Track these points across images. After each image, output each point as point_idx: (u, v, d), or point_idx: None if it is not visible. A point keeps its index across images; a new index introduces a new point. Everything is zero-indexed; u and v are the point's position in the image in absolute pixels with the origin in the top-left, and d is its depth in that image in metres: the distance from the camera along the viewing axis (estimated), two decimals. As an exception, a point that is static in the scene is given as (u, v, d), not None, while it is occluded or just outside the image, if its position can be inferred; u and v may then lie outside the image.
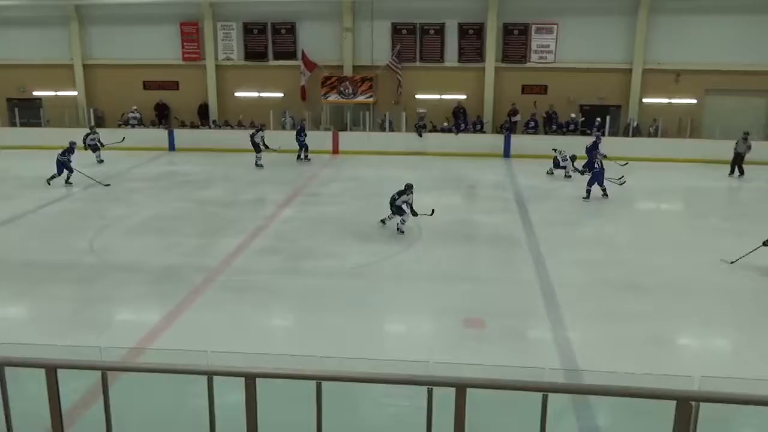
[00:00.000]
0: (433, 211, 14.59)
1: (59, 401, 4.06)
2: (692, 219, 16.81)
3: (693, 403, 4.01)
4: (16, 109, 26.80)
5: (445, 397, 4.26)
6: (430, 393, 4.37)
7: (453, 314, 10.12)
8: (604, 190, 17.67)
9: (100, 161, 22.69)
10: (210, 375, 4.51)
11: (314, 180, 20.39)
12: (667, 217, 18.02)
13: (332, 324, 9.87)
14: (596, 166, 17.65)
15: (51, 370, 4.01)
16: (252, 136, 22.46)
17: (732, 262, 11.97)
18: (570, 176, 20.28)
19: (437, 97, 25.85)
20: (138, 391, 6.00)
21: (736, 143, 21.44)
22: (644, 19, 24.16)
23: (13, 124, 26.73)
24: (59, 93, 27.59)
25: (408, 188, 14.49)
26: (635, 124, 24.51)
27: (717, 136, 23.42)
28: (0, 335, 9.45)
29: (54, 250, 13.43)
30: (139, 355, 8.29)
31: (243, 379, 4.33)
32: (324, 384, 4.40)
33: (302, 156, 23.30)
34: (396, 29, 25.62)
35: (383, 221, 15.00)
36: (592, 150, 19.85)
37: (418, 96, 25.83)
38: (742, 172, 21.14)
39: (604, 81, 24.95)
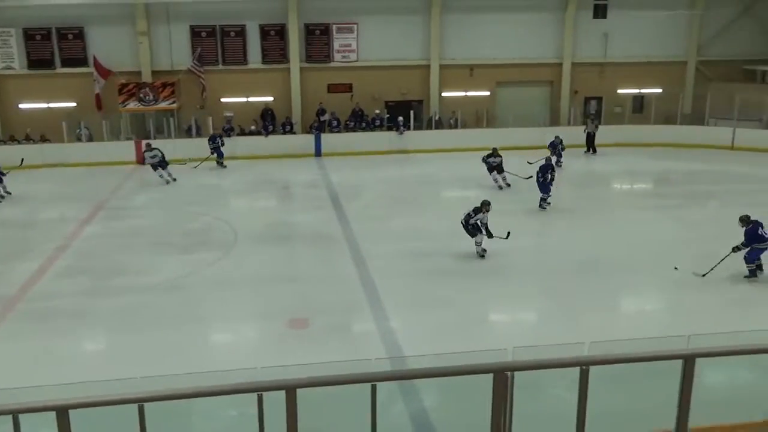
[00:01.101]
0: (508, 234, 12.74)
1: None
2: (496, 204, 17.94)
3: (508, 373, 4.28)
4: None
5: (278, 401, 4.21)
6: (260, 399, 4.29)
7: (278, 317, 10.05)
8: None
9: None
10: (15, 414, 4.10)
11: (118, 192, 19.26)
12: (472, 203, 19.12)
13: (152, 341, 9.40)
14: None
15: None
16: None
17: (704, 275, 11.36)
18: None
19: (244, 99, 25.45)
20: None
21: (585, 125, 24.25)
22: (437, 18, 25.45)
23: None
24: None
25: (484, 206, 12.63)
26: (437, 117, 25.78)
27: (510, 124, 25.28)
28: None
29: None
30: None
31: (54, 413, 3.99)
32: (148, 405, 4.17)
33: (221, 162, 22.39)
34: (195, 32, 24.84)
35: (481, 253, 12.62)
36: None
37: (223, 99, 25.27)
38: (594, 151, 23.82)
39: (405, 77, 25.96)
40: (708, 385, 6.38)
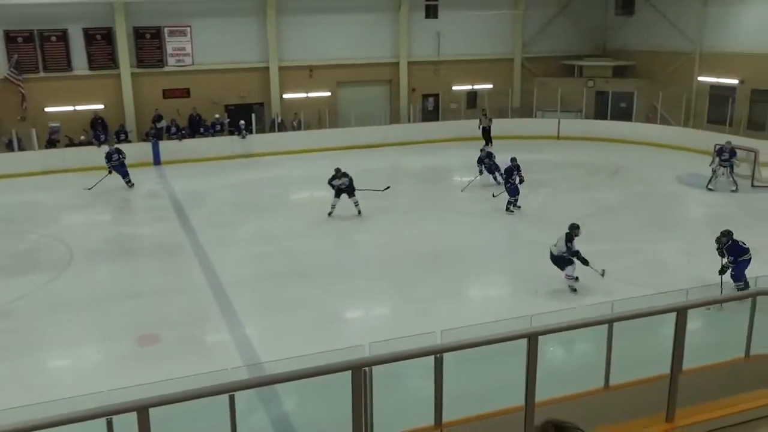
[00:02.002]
0: (603, 271, 11.30)
1: None
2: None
3: (365, 368, 4.33)
4: None
5: (131, 423, 3.99)
6: (109, 424, 4.05)
7: (125, 335, 9.54)
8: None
9: None
10: None
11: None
12: (319, 203, 19.18)
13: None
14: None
15: None
16: None
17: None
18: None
19: (71, 108, 23.85)
20: None
21: (480, 120, 24.88)
22: (273, 19, 25.22)
23: None
24: None
25: (573, 229, 10.91)
26: (279, 119, 25.57)
27: (352, 123, 25.61)
28: None
29: None
30: None
31: None
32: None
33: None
34: (10, 37, 22.93)
35: (573, 287, 11.06)
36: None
37: (48, 109, 23.54)
38: (491, 142, 23.92)
39: (244, 80, 25.50)
40: (552, 359, 6.82)
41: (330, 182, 15.61)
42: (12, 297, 11.20)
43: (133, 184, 19.57)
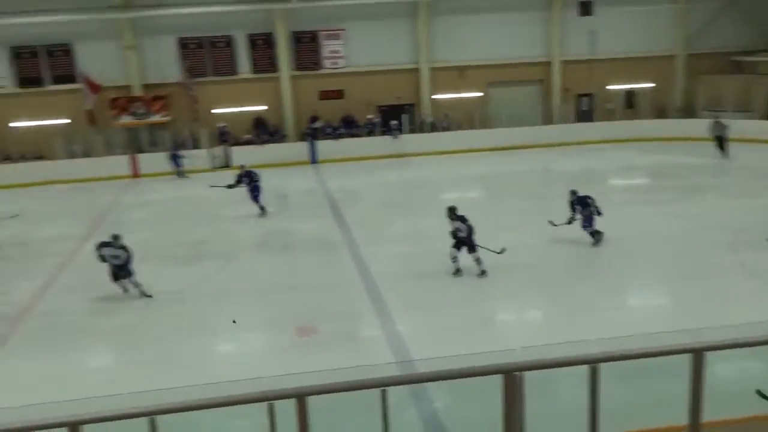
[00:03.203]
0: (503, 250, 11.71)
1: None
2: (495, 202, 18.00)
3: (517, 373, 4.29)
4: None
5: (289, 409, 4.21)
6: (270, 408, 4.29)
7: (284, 325, 10.04)
8: None
9: None
10: (27, 431, 4.09)
11: (115, 207, 19.23)
12: (472, 204, 19.13)
13: (159, 355, 9.38)
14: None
15: None
16: None
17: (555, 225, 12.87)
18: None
19: (236, 110, 25.45)
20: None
21: (713, 126, 21.71)
22: (424, 21, 25.53)
23: None
24: None
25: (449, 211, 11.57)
26: (429, 120, 25.83)
27: (503, 124, 25.38)
28: None
29: None
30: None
31: (66, 429, 3.98)
32: (159, 418, 4.16)
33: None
34: (183, 44, 24.85)
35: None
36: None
37: (215, 110, 25.27)
38: (725, 152, 21.32)
39: (396, 82, 26.01)
40: (719, 378, 6.41)
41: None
42: (185, 283, 12.16)
43: (265, 213, 17.02)
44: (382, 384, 4.33)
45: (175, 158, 23.04)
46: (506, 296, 11.07)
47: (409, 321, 9.95)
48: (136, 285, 11.41)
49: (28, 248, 15.53)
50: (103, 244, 11.51)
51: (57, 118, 24.49)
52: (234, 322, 10.29)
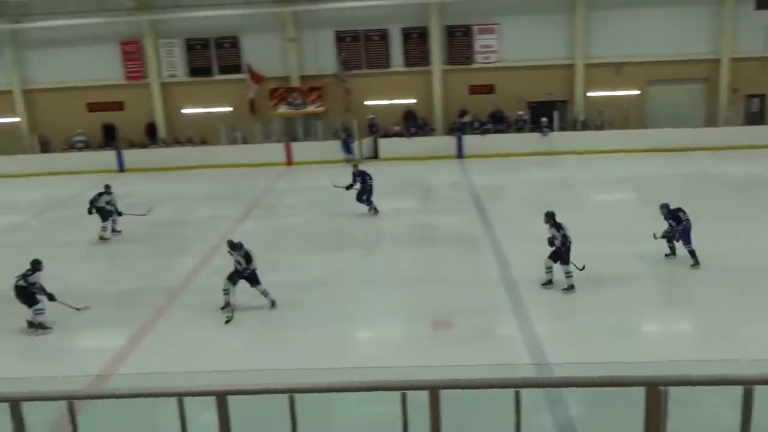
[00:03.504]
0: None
1: (23, 436, 3.90)
2: (644, 207, 17.13)
3: (662, 388, 4.07)
4: (-43, 139, 25.98)
5: (420, 400, 4.25)
6: (403, 397, 4.35)
7: (421, 317, 10.14)
8: None
9: (116, 231, 15.98)
10: (180, 396, 4.41)
11: (269, 193, 20.24)
12: (619, 207, 18.38)
13: (300, 336, 9.79)
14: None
15: (15, 404, 3.86)
16: (93, 202, 15.72)
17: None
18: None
19: (387, 102, 25.93)
20: (107, 419, 5.83)
21: None
22: (582, 15, 24.68)
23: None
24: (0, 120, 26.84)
25: None
26: (582, 118, 24.99)
27: (661, 124, 24.07)
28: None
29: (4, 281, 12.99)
30: (105, 382, 8.09)
31: (214, 398, 4.25)
32: (297, 397, 4.35)
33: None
34: (339, 37, 25.63)
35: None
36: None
37: (367, 102, 25.88)
38: None
39: (548, 77, 25.38)
40: None
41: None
42: (331, 270, 12.61)
43: (376, 212, 16.57)
44: (518, 385, 4.26)
45: (347, 145, 23.87)
46: (648, 307, 10.52)
47: (548, 323, 9.72)
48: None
49: (188, 227, 16.68)
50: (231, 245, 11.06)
51: (222, 106, 26.16)
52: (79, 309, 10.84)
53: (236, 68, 25.90)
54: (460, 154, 24.37)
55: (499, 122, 25.06)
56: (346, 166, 23.44)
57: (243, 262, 10.73)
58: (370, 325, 10.40)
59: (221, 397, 4.24)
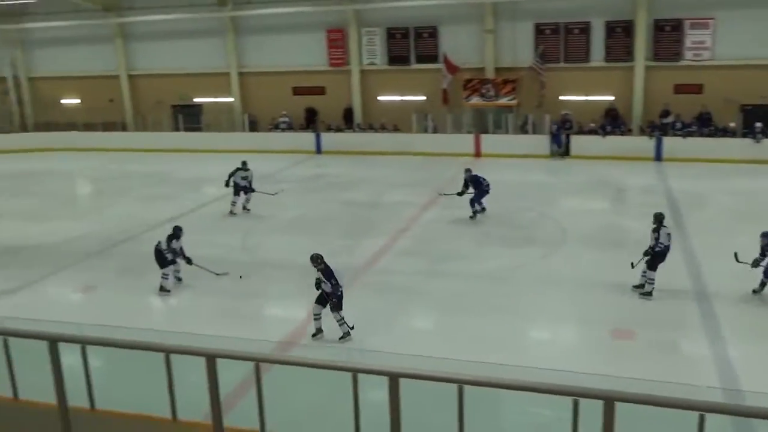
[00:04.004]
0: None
1: (218, 389, 4.28)
2: None
3: None
4: (180, 115, 28.84)
5: (590, 409, 4.12)
6: (576, 405, 4.24)
7: (601, 323, 9.77)
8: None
9: (246, 209, 17.22)
10: (354, 372, 4.62)
11: (455, 183, 20.35)
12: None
13: (473, 327, 9.83)
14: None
15: (210, 359, 4.23)
16: (231, 175, 16.87)
17: None
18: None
19: (582, 98, 25.03)
20: (286, 384, 6.26)
21: None
22: (817, 10, 22.15)
23: (176, 129, 28.78)
24: (217, 99, 29.41)
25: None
26: (805, 125, 22.50)
27: None
28: (164, 324, 10.18)
29: (211, 246, 14.31)
30: (288, 349, 8.65)
31: (387, 378, 4.40)
32: (466, 388, 4.39)
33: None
34: (539, 29, 25.08)
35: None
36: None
37: (562, 97, 25.14)
38: None
39: (766, 79, 23.09)
40: None
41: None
42: (511, 265, 12.50)
43: (482, 212, 16.01)
44: (704, 408, 3.99)
45: (556, 138, 23.57)
46: None
47: (742, 346, 8.94)
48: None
49: (377, 210, 17.28)
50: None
51: (416, 95, 26.72)
52: (240, 277, 11.84)
53: (433, 58, 26.29)
54: (658, 157, 22.97)
55: (705, 125, 23.25)
56: (550, 161, 23.14)
57: (323, 278, 9.35)
58: (545, 325, 10.19)
59: (394, 379, 4.39)
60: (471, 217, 15.64)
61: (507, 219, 15.88)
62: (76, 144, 28.57)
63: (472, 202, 15.74)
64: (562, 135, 23.75)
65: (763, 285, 10.58)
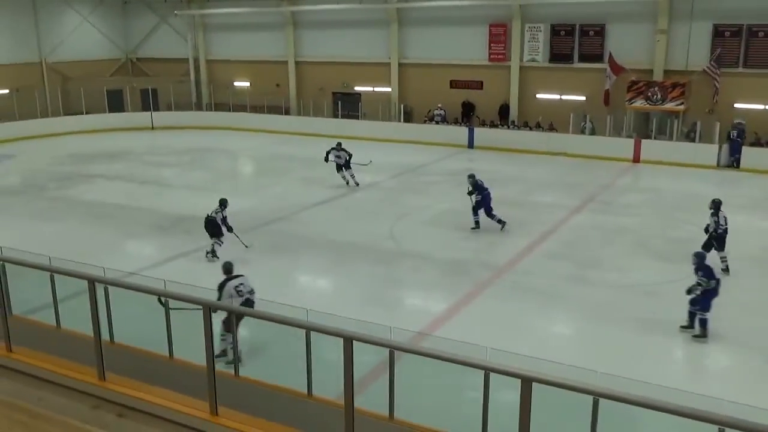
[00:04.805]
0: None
1: (352, 370, 4.44)
2: None
3: None
4: (340, 102, 29.82)
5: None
6: (720, 432, 3.99)
7: (759, 350, 9.07)
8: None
9: (356, 183, 19.34)
10: (487, 371, 4.61)
11: (610, 188, 19.60)
12: None
13: (614, 340, 9.47)
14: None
15: (348, 341, 4.39)
16: (328, 153, 19.58)
17: None
18: None
19: (761, 107, 23.10)
20: (418, 373, 6.37)
21: None
22: None
23: (335, 116, 29.80)
24: (376, 89, 30.11)
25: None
26: None
27: None
28: (307, 303, 10.66)
29: (359, 233, 14.76)
30: (422, 340, 8.77)
31: (519, 381, 4.36)
32: (601, 402, 4.26)
33: None
34: (717, 31, 23.41)
35: None
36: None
37: (737, 105, 23.36)
38: None
39: None
40: None
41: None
42: (662, 280, 11.87)
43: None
44: None
45: (734, 146, 22.20)
46: None
47: None
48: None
49: (524, 209, 16.98)
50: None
51: (575, 95, 25.89)
52: (246, 246, 13.06)
53: (597, 57, 25.33)
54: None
55: None
56: (718, 172, 21.67)
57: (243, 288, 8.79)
58: (695, 346, 9.60)
59: (527, 383, 4.34)
60: (473, 228, 14.87)
61: (663, 230, 15.08)
62: (243, 124, 30.36)
63: (475, 210, 15.02)
64: (740, 143, 22.05)
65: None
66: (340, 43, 30.19)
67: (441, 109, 27.82)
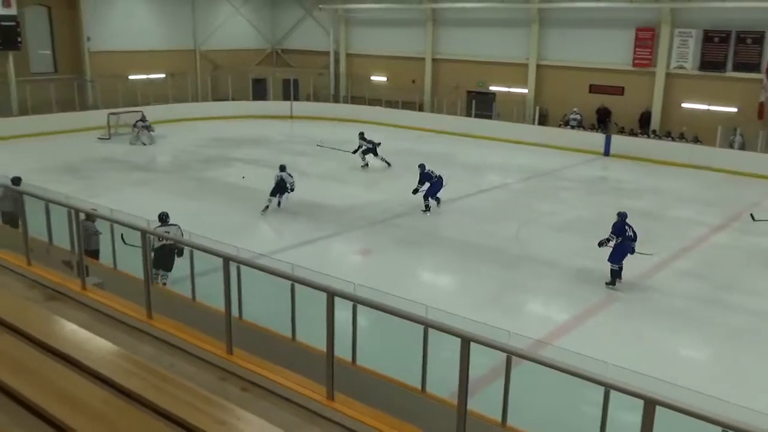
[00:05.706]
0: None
1: (468, 371, 4.41)
2: None
3: None
4: (474, 101, 29.65)
5: None
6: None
7: None
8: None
9: (387, 163, 21.91)
10: (607, 388, 4.46)
11: (757, 207, 18.27)
12: None
13: (750, 369, 8.86)
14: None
15: (465, 342, 4.37)
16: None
17: None
18: None
19: None
20: (534, 382, 6.24)
21: None
22: None
23: (468, 114, 29.65)
24: (512, 89, 29.66)
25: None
26: None
27: None
28: (431, 300, 10.73)
29: (484, 233, 14.64)
30: (542, 348, 8.59)
31: (642, 402, 4.18)
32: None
33: None
34: None
35: None
36: None
37: None
38: None
39: None
40: None
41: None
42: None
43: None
44: None
45: None
46: None
47: None
48: None
49: (660, 223, 16.18)
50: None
51: (726, 106, 24.29)
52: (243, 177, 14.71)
53: (754, 66, 23.63)
54: None
55: None
56: None
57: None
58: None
59: (650, 404, 4.15)
60: (423, 211, 16.12)
61: None
62: (378, 118, 30.85)
63: (426, 197, 16.26)
64: None
65: None
66: (478, 41, 29.99)
67: (577, 114, 27.02)
